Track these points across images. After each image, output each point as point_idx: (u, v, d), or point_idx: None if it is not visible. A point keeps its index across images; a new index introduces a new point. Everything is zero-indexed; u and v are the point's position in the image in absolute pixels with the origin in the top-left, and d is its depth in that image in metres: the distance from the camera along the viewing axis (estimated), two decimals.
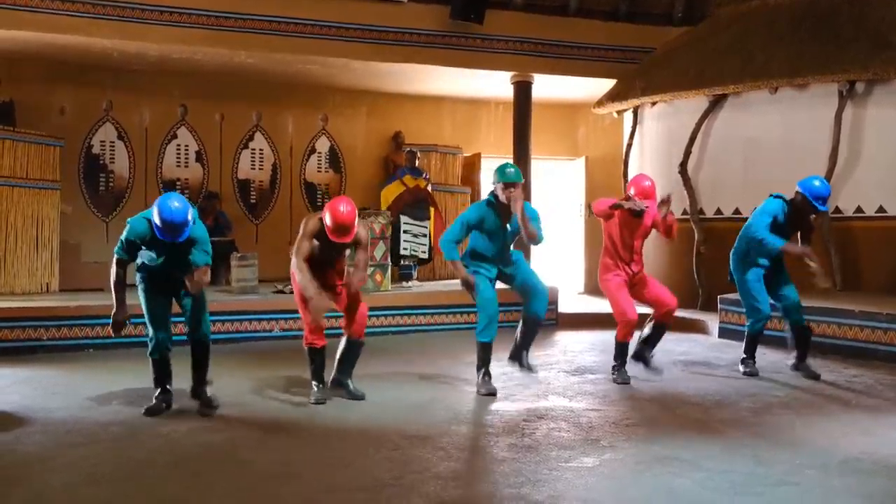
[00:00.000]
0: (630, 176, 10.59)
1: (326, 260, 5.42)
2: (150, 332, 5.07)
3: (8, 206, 8.48)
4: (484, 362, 5.74)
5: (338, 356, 5.57)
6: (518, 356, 5.98)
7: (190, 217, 4.79)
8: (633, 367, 6.16)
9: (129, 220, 5.02)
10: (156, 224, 4.76)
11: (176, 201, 4.76)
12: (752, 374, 6.30)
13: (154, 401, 5.07)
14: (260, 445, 4.39)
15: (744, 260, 6.30)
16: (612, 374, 6.14)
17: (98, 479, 3.77)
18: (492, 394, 5.58)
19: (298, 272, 5.24)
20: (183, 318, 5.19)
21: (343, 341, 5.56)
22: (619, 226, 6.04)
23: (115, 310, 5.00)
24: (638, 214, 5.97)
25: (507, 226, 5.68)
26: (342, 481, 3.73)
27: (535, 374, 6.12)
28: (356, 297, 5.44)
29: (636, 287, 6.11)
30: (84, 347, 7.40)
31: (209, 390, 5.18)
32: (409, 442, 4.36)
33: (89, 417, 4.90)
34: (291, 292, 8.66)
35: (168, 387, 5.14)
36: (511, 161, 6.20)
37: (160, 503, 3.51)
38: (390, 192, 10.26)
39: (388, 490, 3.59)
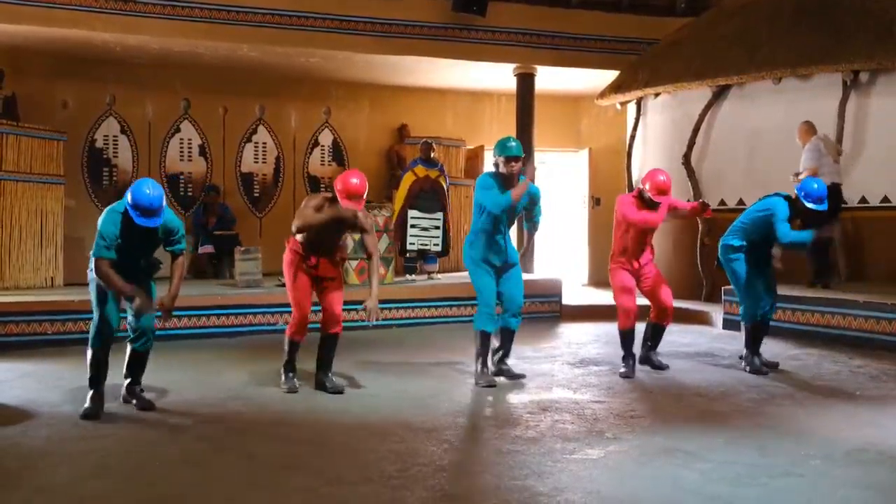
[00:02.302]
0: (633, 168, 10.58)
1: (324, 244, 5.38)
2: (96, 316, 4.81)
3: (12, 201, 8.48)
4: (482, 353, 5.68)
5: (317, 353, 5.47)
6: (497, 365, 5.89)
7: (164, 202, 4.69)
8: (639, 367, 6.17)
9: (100, 218, 4.76)
10: (131, 208, 4.59)
11: (149, 187, 4.63)
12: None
13: (89, 403, 4.76)
14: (264, 438, 4.39)
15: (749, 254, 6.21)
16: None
17: (103, 473, 3.78)
18: (491, 385, 5.57)
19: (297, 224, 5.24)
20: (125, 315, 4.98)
21: (320, 337, 5.42)
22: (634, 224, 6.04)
23: (127, 290, 4.67)
24: (653, 206, 5.98)
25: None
26: (346, 474, 3.73)
27: (522, 378, 5.79)
28: (336, 289, 5.38)
29: (641, 280, 6.11)
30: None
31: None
32: (414, 434, 4.37)
33: None
34: None
35: (101, 388, 4.84)
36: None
37: (165, 496, 3.52)
38: (404, 184, 10.06)
39: (393, 482, 3.59)
